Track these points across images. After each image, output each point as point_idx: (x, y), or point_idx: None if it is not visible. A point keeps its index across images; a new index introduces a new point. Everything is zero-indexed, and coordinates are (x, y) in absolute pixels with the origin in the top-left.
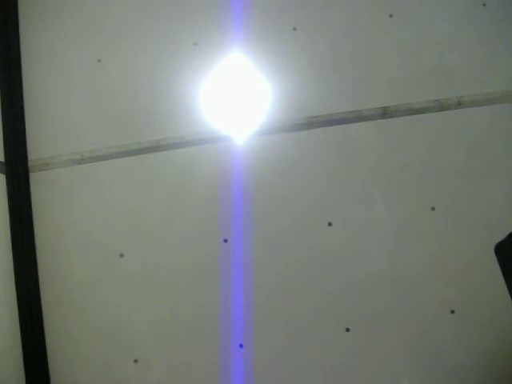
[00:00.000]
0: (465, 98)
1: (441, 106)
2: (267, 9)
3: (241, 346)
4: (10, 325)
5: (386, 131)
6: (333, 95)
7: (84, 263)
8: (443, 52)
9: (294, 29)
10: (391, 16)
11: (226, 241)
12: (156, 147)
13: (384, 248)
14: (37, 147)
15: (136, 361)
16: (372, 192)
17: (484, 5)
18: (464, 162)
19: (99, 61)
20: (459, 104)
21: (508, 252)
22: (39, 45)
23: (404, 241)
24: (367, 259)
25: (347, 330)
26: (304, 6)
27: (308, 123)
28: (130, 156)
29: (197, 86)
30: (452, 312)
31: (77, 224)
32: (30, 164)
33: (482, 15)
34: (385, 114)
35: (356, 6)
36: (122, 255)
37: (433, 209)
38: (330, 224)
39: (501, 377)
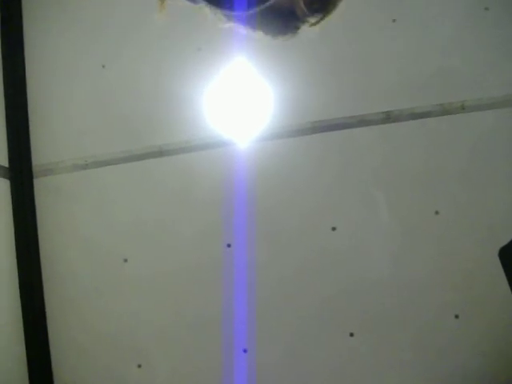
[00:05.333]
0: (468, 102)
1: (444, 111)
2: None
3: (244, 350)
4: (14, 331)
5: (389, 136)
6: (336, 100)
7: (88, 268)
8: (446, 56)
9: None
10: (394, 21)
11: (229, 246)
12: (159, 152)
13: (388, 252)
14: (41, 152)
15: (139, 366)
16: (376, 196)
17: (487, 9)
18: (468, 166)
19: (103, 66)
20: (463, 108)
21: None
22: (42, 50)
23: (408, 245)
24: (371, 264)
25: (351, 334)
26: None
27: (311, 128)
28: (133, 161)
29: (200, 91)
30: (456, 317)
31: (81, 229)
32: (33, 169)
33: (485, 19)
34: (388, 118)
35: (359, 11)
36: (125, 260)
37: (436, 213)
38: (333, 229)
39: (506, 382)
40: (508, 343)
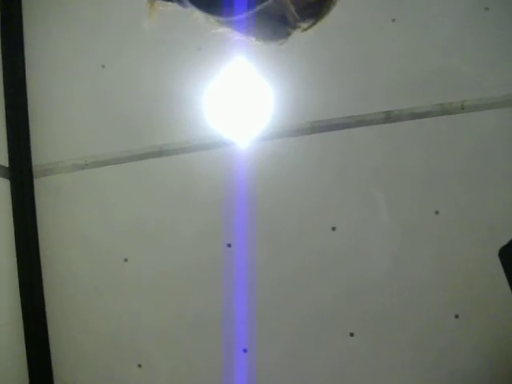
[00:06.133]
0: (468, 102)
1: (444, 110)
2: None
3: (244, 350)
4: (14, 331)
5: (389, 135)
6: (336, 100)
7: (88, 268)
8: (446, 56)
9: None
10: (394, 20)
11: (229, 246)
12: (159, 152)
13: (388, 252)
14: (41, 152)
15: (139, 365)
16: (376, 196)
17: (487, 9)
18: (467, 166)
19: (103, 66)
20: (462, 108)
21: None
22: (42, 50)
23: (408, 245)
24: (371, 264)
25: (351, 334)
26: None
27: (311, 128)
28: (133, 161)
29: (200, 91)
30: (456, 316)
31: (81, 229)
32: (33, 169)
33: (485, 19)
34: (388, 118)
35: (358, 11)
36: (125, 260)
37: (436, 213)
38: (333, 228)
39: (506, 382)
40: (508, 343)
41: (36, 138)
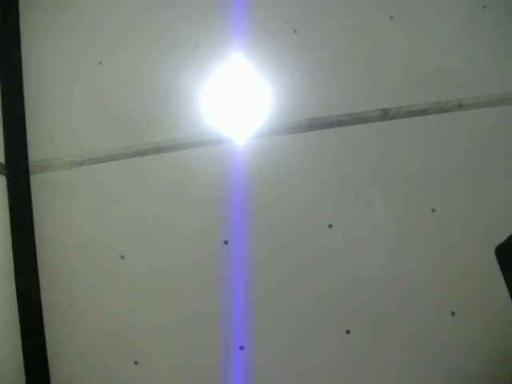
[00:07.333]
0: (466, 99)
1: (441, 108)
2: (268, 11)
3: (241, 348)
4: (10, 328)
5: (386, 133)
6: (333, 97)
7: (84, 265)
8: (444, 54)
9: (295, 31)
10: (392, 18)
11: (226, 243)
12: (156, 149)
13: (384, 250)
14: (37, 149)
15: (136, 362)
16: (372, 194)
17: (484, 7)
18: (464, 164)
19: (100, 63)
20: (460, 106)
21: (509, 254)
22: (40, 46)
23: (404, 243)
24: (367, 261)
25: (347, 331)
26: (304, 8)
27: (308, 125)
28: (130, 158)
29: (198, 88)
30: (452, 314)
31: (78, 225)
32: (30, 166)
33: (483, 17)
34: (385, 115)
35: (356, 8)
36: (122, 257)
37: (433, 210)
38: (330, 226)
39: (502, 379)
40: (505, 340)
41: (33, 135)
